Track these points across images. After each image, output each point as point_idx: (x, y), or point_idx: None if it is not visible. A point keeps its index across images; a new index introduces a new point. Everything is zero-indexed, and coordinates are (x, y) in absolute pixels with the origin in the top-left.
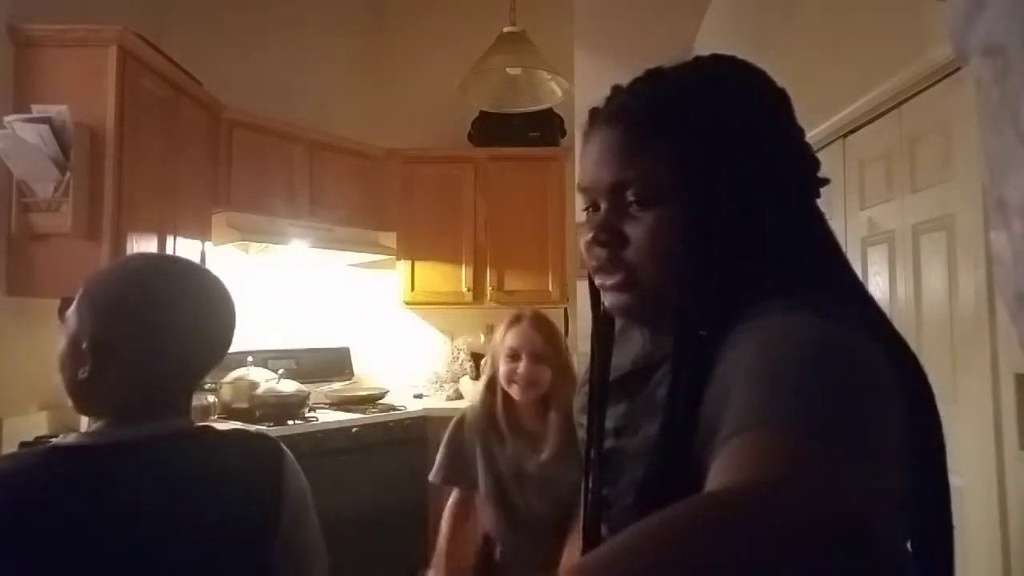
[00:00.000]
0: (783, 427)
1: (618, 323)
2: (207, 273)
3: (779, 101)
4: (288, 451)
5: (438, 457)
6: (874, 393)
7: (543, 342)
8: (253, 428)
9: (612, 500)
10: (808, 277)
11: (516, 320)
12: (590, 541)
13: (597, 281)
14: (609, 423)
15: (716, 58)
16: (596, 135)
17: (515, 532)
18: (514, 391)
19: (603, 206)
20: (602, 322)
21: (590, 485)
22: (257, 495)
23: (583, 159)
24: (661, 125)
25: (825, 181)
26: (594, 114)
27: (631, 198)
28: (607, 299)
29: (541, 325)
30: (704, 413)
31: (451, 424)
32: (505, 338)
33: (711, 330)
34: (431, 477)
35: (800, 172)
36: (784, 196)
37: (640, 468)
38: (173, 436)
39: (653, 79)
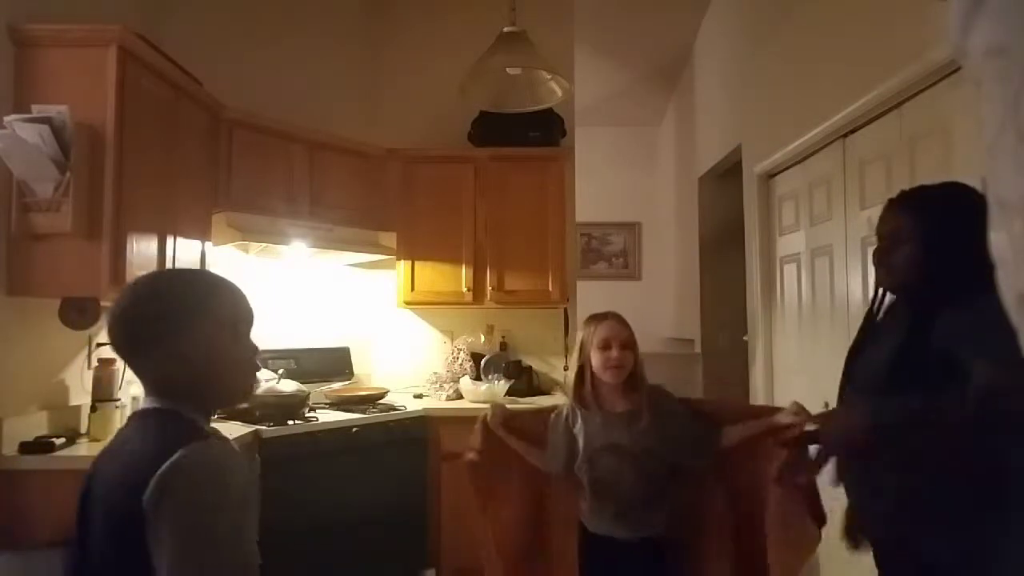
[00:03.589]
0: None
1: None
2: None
3: (965, 212)
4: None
5: (551, 448)
6: None
7: (628, 333)
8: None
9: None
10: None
11: (603, 317)
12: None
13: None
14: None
15: (954, 185)
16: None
17: (606, 504)
18: (608, 376)
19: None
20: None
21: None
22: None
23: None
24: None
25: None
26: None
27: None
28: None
29: (622, 320)
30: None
31: (553, 417)
32: (596, 332)
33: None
34: (550, 468)
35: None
36: (955, 250)
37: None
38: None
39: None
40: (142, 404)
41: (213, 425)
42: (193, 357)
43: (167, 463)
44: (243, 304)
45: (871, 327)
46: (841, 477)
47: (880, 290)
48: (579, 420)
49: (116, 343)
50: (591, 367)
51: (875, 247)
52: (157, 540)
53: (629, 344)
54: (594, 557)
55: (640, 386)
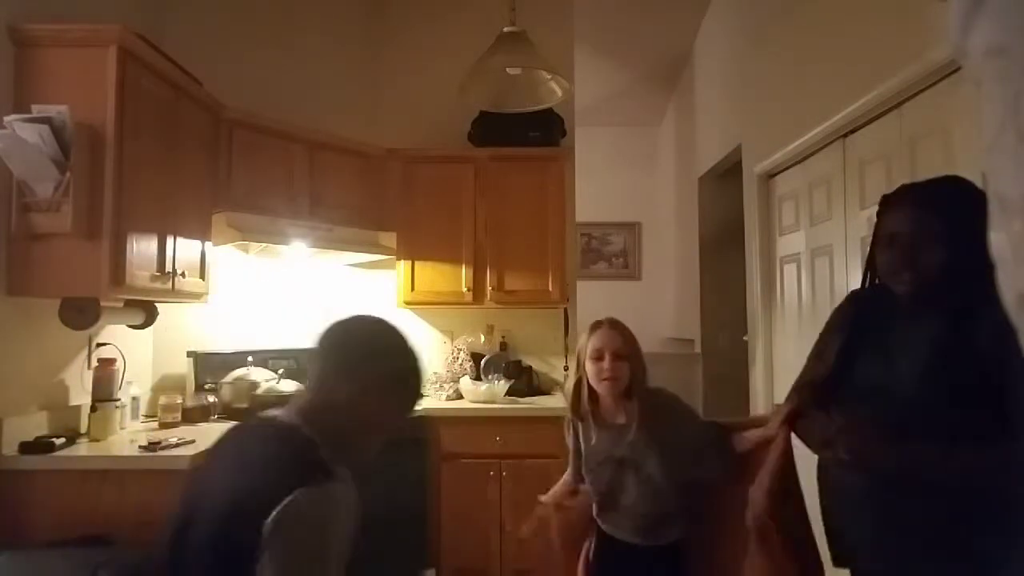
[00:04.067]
0: None
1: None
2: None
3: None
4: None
5: (570, 458)
6: None
7: (622, 341)
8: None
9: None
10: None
11: (597, 325)
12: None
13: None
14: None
15: (958, 178)
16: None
17: (614, 516)
18: (602, 388)
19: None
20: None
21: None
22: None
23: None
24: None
25: None
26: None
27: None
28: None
29: (618, 327)
30: (977, 341)
31: (565, 423)
32: (589, 341)
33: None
34: (570, 478)
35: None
36: (982, 246)
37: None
38: None
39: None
40: (279, 412)
41: (334, 465)
42: (354, 404)
43: (288, 499)
44: (413, 382)
45: (862, 331)
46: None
47: (866, 289)
48: (580, 432)
49: (321, 349)
50: (587, 378)
51: (890, 247)
52: (262, 565)
53: (624, 354)
54: (605, 558)
55: (638, 396)
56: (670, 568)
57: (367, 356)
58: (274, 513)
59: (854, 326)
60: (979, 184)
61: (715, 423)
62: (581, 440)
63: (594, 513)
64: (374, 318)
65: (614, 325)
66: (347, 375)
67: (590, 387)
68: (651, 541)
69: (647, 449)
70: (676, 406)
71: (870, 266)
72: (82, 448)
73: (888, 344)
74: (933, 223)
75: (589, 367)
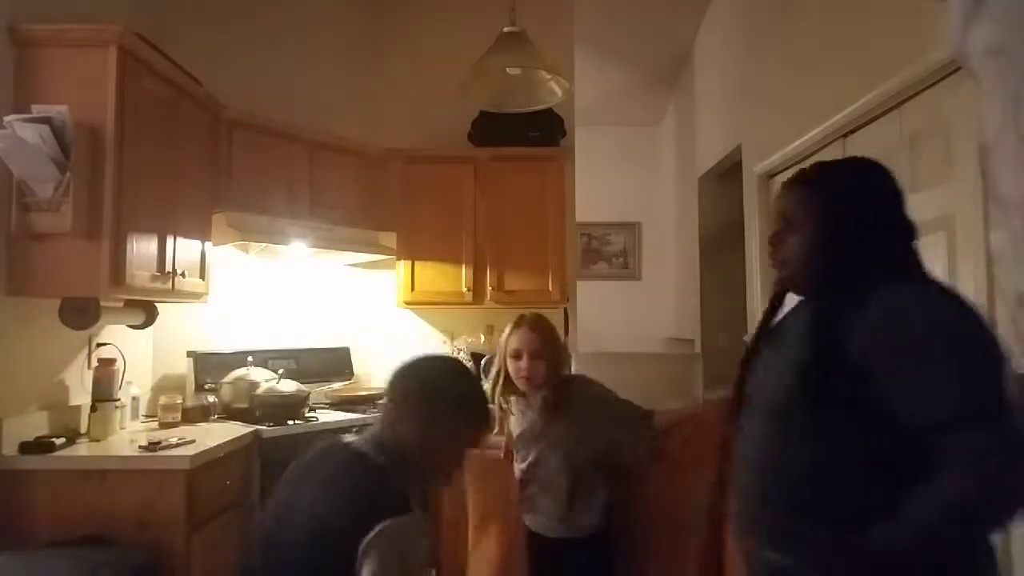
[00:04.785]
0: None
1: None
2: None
3: (881, 186)
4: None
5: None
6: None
7: (540, 343)
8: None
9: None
10: (894, 267)
11: (517, 324)
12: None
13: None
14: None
15: (854, 161)
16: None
17: (534, 488)
18: (521, 384)
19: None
20: (774, 294)
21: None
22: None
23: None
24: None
25: (912, 229)
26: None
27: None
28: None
29: (538, 328)
30: (852, 338)
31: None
32: (509, 341)
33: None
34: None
35: (890, 217)
36: (874, 229)
37: (787, 371)
38: None
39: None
40: (358, 443)
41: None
42: (431, 446)
43: (381, 526)
44: (483, 427)
45: (768, 332)
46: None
47: (778, 286)
48: (508, 416)
49: (403, 391)
50: (507, 376)
51: (769, 235)
52: None
53: (541, 354)
54: (530, 555)
55: (548, 389)
56: (593, 558)
57: (449, 409)
58: (366, 539)
59: (759, 331)
60: (981, 182)
61: (632, 403)
62: (510, 424)
63: (519, 497)
64: (450, 364)
65: (534, 327)
66: (429, 421)
67: (507, 378)
68: (573, 531)
69: (565, 428)
70: (593, 387)
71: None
72: (82, 448)
73: (776, 347)
74: (799, 204)
75: (509, 364)
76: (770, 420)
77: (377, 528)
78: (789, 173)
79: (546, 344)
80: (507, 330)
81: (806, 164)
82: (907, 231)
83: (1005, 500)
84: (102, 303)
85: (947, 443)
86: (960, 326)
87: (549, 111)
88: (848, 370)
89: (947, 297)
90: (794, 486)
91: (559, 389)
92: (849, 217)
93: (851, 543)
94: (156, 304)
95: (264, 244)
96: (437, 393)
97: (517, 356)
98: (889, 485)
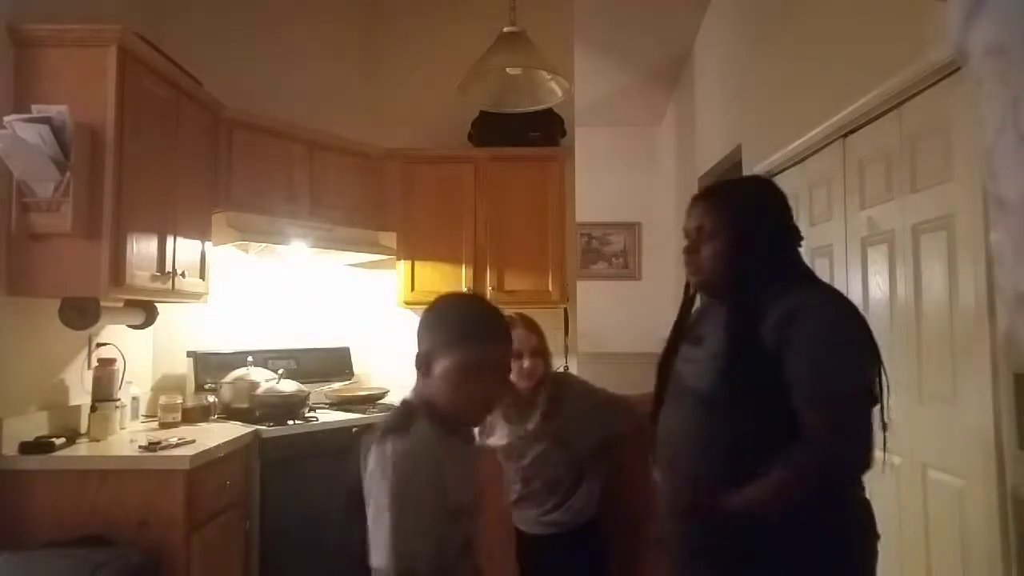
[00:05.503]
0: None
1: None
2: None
3: (776, 200)
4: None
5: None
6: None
7: (537, 340)
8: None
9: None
10: (790, 269)
11: (512, 325)
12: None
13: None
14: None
15: (751, 179)
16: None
17: (532, 480)
18: (522, 383)
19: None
20: (687, 296)
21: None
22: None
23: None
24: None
25: (800, 237)
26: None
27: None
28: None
29: (532, 326)
30: (765, 328)
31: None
32: None
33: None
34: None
35: (784, 227)
36: (773, 237)
37: (710, 361)
38: None
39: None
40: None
41: (426, 425)
42: (441, 379)
43: (376, 444)
44: (492, 350)
45: (682, 331)
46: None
47: (690, 291)
48: (497, 420)
49: (422, 327)
50: None
51: (684, 246)
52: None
53: (539, 351)
54: (524, 558)
55: (545, 386)
56: (585, 550)
57: (461, 336)
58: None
59: (675, 332)
60: (980, 183)
61: (605, 389)
62: (502, 423)
63: (512, 500)
64: (468, 298)
65: (530, 327)
66: (431, 348)
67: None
68: (571, 522)
69: (567, 423)
70: (579, 382)
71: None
72: (82, 448)
73: (690, 339)
74: (708, 218)
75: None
76: (694, 405)
77: (376, 444)
78: (789, 172)
79: (542, 341)
80: None
81: (806, 164)
82: (797, 237)
83: (826, 474)
84: (102, 303)
85: (806, 419)
86: (842, 325)
87: (549, 111)
88: (762, 358)
89: (838, 299)
90: (718, 459)
91: (556, 386)
92: (755, 227)
93: (721, 505)
94: (156, 304)
95: (264, 244)
96: (435, 317)
97: (518, 356)
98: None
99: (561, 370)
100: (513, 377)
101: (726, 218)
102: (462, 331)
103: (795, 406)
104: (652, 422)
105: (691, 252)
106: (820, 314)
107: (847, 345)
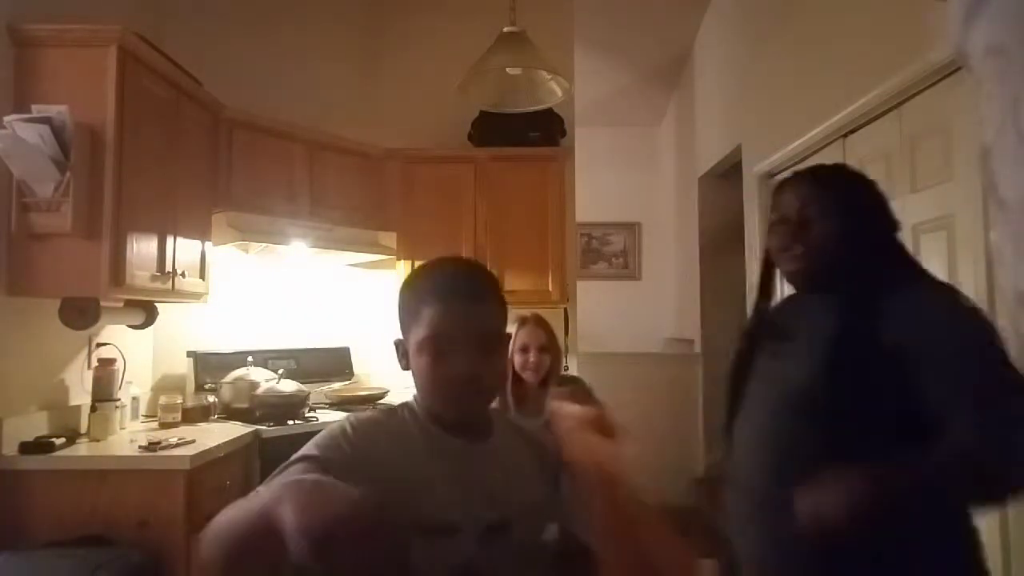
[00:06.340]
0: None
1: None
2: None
3: (875, 191)
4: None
5: None
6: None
7: (546, 338)
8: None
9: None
10: (903, 259)
11: (524, 322)
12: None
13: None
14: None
15: (843, 165)
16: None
17: None
18: (527, 376)
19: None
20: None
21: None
22: None
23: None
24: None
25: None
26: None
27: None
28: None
29: (542, 324)
30: (885, 325)
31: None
32: (517, 336)
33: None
34: None
35: (888, 219)
36: (878, 228)
37: (812, 360)
38: None
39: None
40: None
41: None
42: (407, 361)
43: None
44: (447, 316)
45: (763, 328)
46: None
47: (766, 287)
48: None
49: None
50: (513, 368)
51: (781, 226)
52: None
53: (547, 347)
54: None
55: (553, 382)
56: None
57: (415, 305)
58: None
59: (756, 321)
60: (980, 183)
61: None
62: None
63: None
64: (434, 261)
65: (539, 323)
66: (402, 327)
67: (516, 375)
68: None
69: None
70: (584, 391)
71: (765, 273)
72: (82, 448)
73: (776, 347)
74: (821, 197)
75: (516, 357)
76: (786, 407)
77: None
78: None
79: (551, 339)
80: (514, 328)
81: (806, 164)
82: (897, 226)
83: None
84: (102, 303)
85: (975, 418)
86: (980, 322)
87: (549, 111)
88: (876, 357)
89: (960, 296)
90: (811, 466)
91: (564, 385)
92: (866, 212)
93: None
94: (156, 304)
95: (264, 244)
96: (400, 289)
97: (525, 350)
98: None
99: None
100: (518, 368)
101: (843, 198)
102: (416, 298)
103: (936, 410)
104: (726, 431)
105: (794, 237)
106: (960, 314)
107: (998, 345)
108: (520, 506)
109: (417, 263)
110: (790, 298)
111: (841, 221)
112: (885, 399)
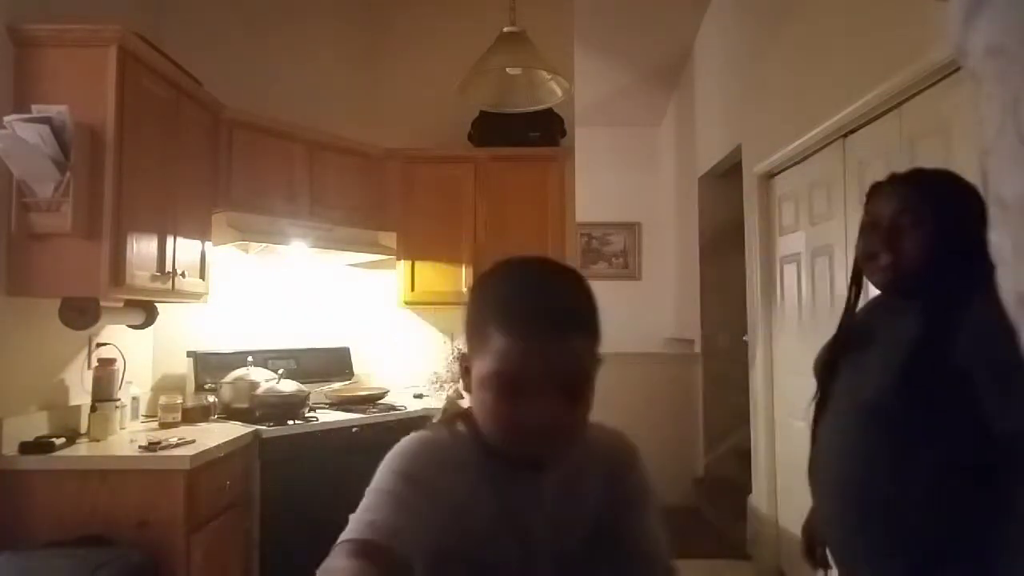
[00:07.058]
0: None
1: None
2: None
3: (976, 200)
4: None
5: None
6: None
7: None
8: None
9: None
10: (987, 271)
11: None
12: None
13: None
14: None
15: (946, 173)
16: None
17: None
18: None
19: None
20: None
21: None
22: None
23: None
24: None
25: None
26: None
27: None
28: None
29: None
30: (958, 340)
31: None
32: None
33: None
34: None
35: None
36: (972, 241)
37: (888, 370)
38: None
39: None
40: None
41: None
42: (468, 381)
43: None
44: (521, 356)
45: (849, 333)
46: None
47: (855, 288)
48: None
49: None
50: None
51: (872, 230)
52: None
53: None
54: None
55: None
56: None
57: (481, 324)
58: None
59: (842, 333)
60: (979, 184)
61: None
62: None
63: None
64: (512, 266)
65: None
66: (467, 345)
67: None
68: None
69: None
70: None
71: (855, 275)
72: (82, 448)
73: (861, 348)
74: (918, 205)
75: None
76: (863, 419)
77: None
78: (789, 172)
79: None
80: None
81: (806, 164)
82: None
83: None
84: (102, 303)
85: None
86: None
87: (549, 111)
88: (948, 371)
89: None
90: (884, 479)
91: None
92: (966, 219)
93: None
94: (156, 304)
95: (264, 244)
96: (471, 292)
97: None
98: (968, 486)
99: None
100: None
101: (940, 209)
102: (482, 317)
103: (1006, 430)
104: (812, 438)
105: (883, 245)
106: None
107: None
108: (580, 543)
109: (417, 263)
110: (876, 301)
111: (934, 234)
112: (950, 413)
